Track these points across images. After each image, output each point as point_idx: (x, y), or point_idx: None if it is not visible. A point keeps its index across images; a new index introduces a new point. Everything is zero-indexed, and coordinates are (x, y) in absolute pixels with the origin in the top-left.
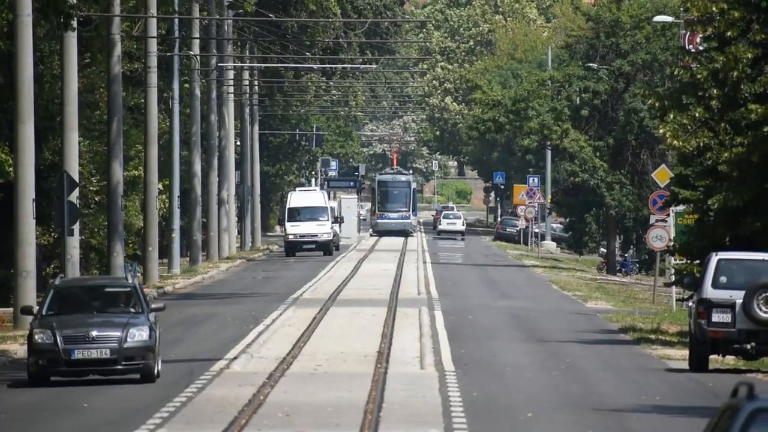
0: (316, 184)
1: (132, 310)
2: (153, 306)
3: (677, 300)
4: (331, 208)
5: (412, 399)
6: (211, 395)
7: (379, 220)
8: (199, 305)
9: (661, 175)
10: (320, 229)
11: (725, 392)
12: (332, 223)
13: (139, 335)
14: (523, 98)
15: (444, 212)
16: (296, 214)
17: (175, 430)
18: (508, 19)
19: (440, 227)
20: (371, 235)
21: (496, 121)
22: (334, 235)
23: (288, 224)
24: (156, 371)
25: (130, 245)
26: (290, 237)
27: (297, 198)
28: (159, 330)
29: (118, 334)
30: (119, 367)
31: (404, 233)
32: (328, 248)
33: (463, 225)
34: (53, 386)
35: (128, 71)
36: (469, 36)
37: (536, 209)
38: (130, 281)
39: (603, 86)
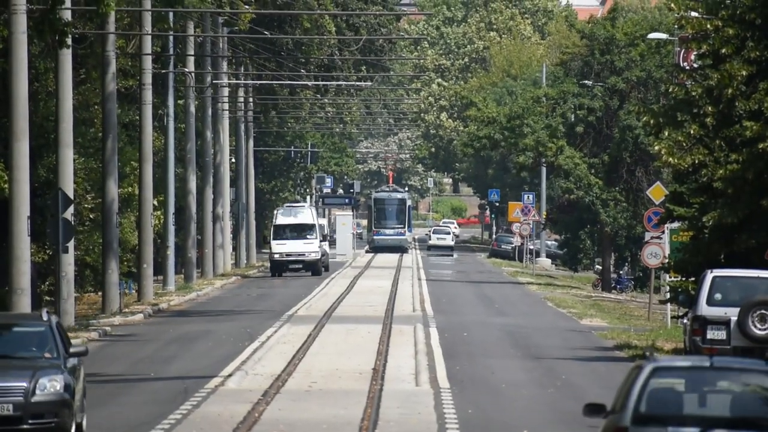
0: (311, 202)
1: (46, 355)
2: (73, 350)
3: (672, 317)
4: (320, 225)
5: (408, 416)
6: (206, 412)
7: (375, 237)
8: (194, 322)
9: (656, 192)
10: (308, 247)
11: None
12: (321, 241)
13: (51, 386)
14: (518, 115)
15: (434, 228)
16: (282, 232)
17: None
18: (502, 36)
19: (430, 242)
20: (367, 251)
21: (491, 138)
22: (322, 254)
23: (273, 242)
24: (74, 431)
25: (125, 262)
26: (276, 256)
27: (283, 215)
28: (82, 379)
29: (24, 385)
30: (25, 426)
31: (400, 249)
32: (316, 268)
33: (452, 240)
34: None
35: (123, 88)
36: (464, 53)
37: (531, 226)
38: (44, 319)
39: (598, 103)
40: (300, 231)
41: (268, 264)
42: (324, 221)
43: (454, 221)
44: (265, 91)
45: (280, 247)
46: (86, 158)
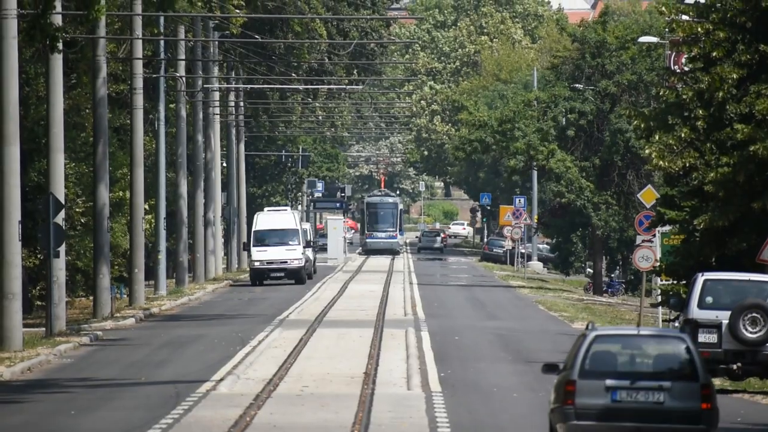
0: (303, 206)
1: None
2: None
3: (663, 320)
4: (304, 230)
5: (399, 420)
6: (197, 417)
7: (368, 240)
8: (186, 327)
9: (647, 196)
10: (290, 254)
11: None
12: (304, 247)
13: None
14: (509, 119)
15: (424, 230)
16: (263, 238)
17: None
18: (493, 40)
19: (420, 244)
20: (359, 254)
21: (483, 141)
22: (306, 261)
23: (254, 249)
24: None
25: (116, 267)
26: (256, 264)
27: (264, 219)
28: None
29: None
30: None
31: (392, 252)
32: (300, 276)
33: (442, 242)
34: (40, 409)
35: (114, 93)
36: (455, 57)
37: (523, 230)
38: None
39: (589, 107)
40: (281, 237)
41: None
42: (307, 225)
43: (464, 222)
44: (256, 95)
45: (261, 254)
46: (77, 163)
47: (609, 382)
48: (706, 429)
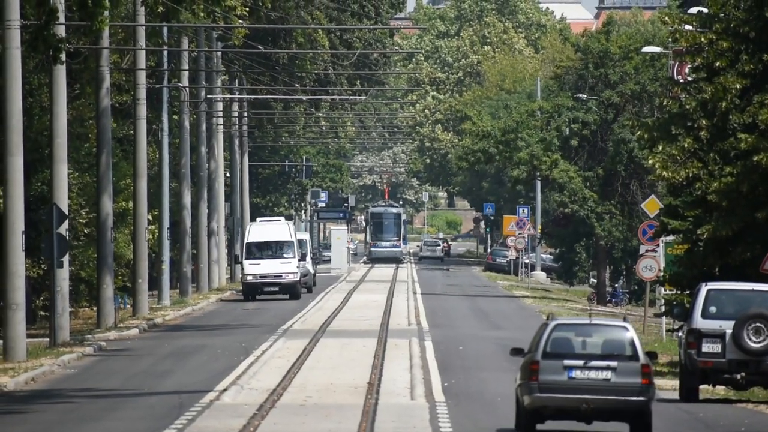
0: (306, 216)
1: None
2: None
3: (667, 330)
4: (300, 241)
5: (403, 430)
6: (201, 427)
7: (372, 249)
8: (189, 337)
9: (651, 206)
10: (285, 268)
11: (715, 423)
12: (300, 260)
13: None
14: (513, 129)
15: (425, 240)
16: (255, 250)
17: None
18: (496, 50)
19: (421, 254)
20: (364, 263)
21: (486, 151)
22: (303, 275)
23: (246, 262)
24: None
25: (120, 277)
26: (249, 278)
27: (257, 231)
28: None
29: None
30: None
31: (396, 260)
32: (295, 291)
33: (441, 252)
34: (44, 419)
35: (117, 103)
36: (458, 67)
37: (526, 240)
38: None
39: (592, 117)
40: (276, 249)
41: None
42: (306, 236)
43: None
44: (259, 106)
45: (254, 267)
46: (81, 173)
47: (566, 362)
48: (646, 401)
